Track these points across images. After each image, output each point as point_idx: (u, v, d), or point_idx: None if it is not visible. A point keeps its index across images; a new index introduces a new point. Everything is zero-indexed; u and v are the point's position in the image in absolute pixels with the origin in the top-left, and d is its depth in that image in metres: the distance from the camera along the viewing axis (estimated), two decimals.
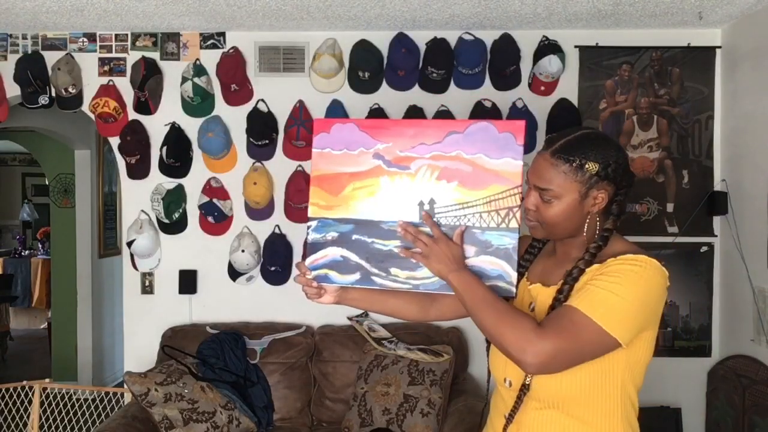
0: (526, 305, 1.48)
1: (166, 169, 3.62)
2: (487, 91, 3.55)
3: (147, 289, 3.69)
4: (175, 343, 3.39)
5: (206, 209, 3.55)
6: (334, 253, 1.51)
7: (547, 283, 1.45)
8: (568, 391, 1.36)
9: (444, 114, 3.50)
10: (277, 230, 3.62)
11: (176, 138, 3.57)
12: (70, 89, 3.55)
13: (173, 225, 3.62)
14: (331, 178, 1.51)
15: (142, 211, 3.63)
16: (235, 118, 3.60)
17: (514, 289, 1.41)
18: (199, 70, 3.52)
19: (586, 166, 1.36)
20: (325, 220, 1.51)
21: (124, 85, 3.63)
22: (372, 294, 1.61)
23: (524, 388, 1.39)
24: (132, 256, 3.64)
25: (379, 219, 1.48)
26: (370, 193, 1.49)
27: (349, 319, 3.46)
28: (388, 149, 1.48)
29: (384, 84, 3.59)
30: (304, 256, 1.56)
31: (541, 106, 3.54)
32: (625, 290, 1.29)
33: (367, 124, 1.51)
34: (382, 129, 1.50)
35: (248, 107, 3.60)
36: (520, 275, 1.53)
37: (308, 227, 1.53)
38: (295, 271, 1.57)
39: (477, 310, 1.36)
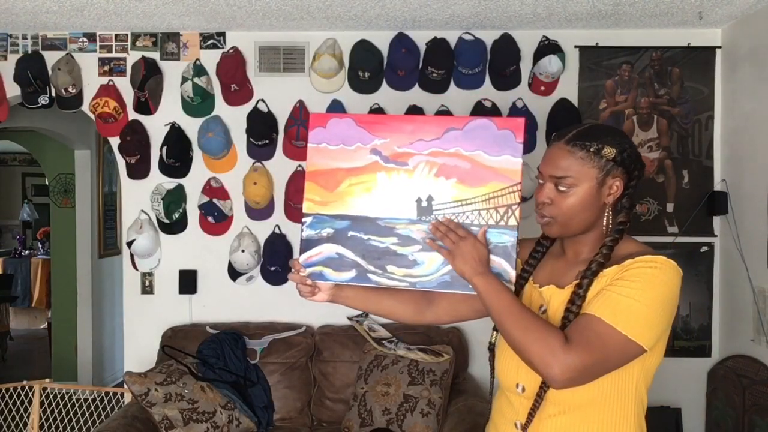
0: (536, 308, 1.45)
1: (166, 169, 3.62)
2: (487, 91, 3.55)
3: (147, 289, 3.69)
4: (175, 343, 3.39)
5: (206, 209, 3.55)
6: (329, 250, 1.48)
7: (560, 284, 1.42)
8: (587, 395, 1.33)
9: (444, 114, 3.50)
10: (277, 230, 3.62)
11: (176, 138, 3.57)
12: (70, 89, 3.55)
13: (173, 225, 3.62)
14: (326, 173, 1.49)
15: (142, 211, 3.63)
16: (235, 118, 3.60)
17: (512, 287, 1.40)
18: (199, 70, 3.52)
19: (604, 150, 1.35)
20: (321, 216, 1.49)
21: (124, 85, 3.63)
22: (367, 293, 1.58)
23: (543, 387, 1.35)
24: (132, 256, 3.64)
25: (375, 216, 1.46)
26: (367, 189, 1.47)
27: (349, 319, 3.46)
28: (385, 145, 1.46)
29: (384, 84, 3.58)
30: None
31: (541, 106, 3.54)
32: (646, 295, 1.28)
33: (364, 120, 1.49)
34: (380, 124, 1.48)
35: (248, 107, 3.60)
36: (525, 278, 1.51)
37: (303, 223, 1.50)
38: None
39: (501, 317, 1.33)
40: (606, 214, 1.39)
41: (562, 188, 1.37)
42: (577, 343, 1.26)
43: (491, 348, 1.51)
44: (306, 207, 1.50)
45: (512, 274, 1.39)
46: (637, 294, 1.28)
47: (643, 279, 1.29)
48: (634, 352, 1.29)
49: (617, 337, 1.27)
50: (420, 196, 1.44)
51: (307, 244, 1.50)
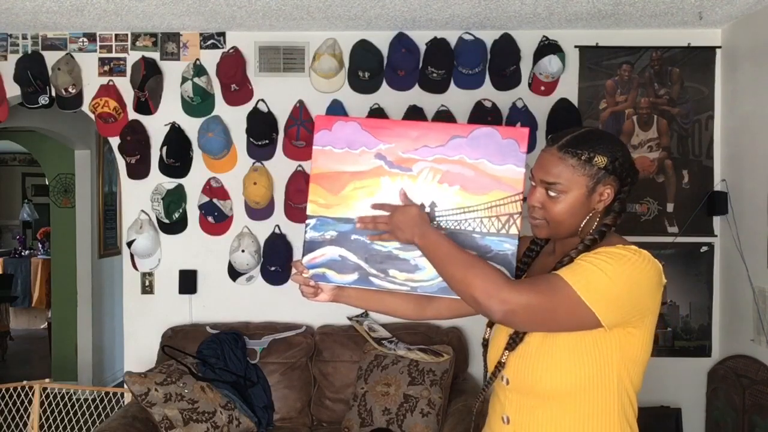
0: None
1: (166, 169, 3.62)
2: (487, 91, 3.55)
3: (147, 289, 3.69)
4: (175, 343, 3.39)
5: (206, 209, 3.55)
6: (332, 252, 1.49)
7: None
8: (564, 385, 1.35)
9: (444, 114, 3.50)
10: (277, 230, 3.62)
11: (176, 138, 3.57)
12: (70, 89, 3.55)
13: (173, 225, 3.62)
14: (331, 176, 1.50)
15: (142, 211, 3.63)
16: (235, 118, 3.60)
17: None
18: (199, 70, 3.52)
19: (595, 159, 1.35)
20: (324, 218, 1.50)
21: (124, 85, 3.63)
22: (369, 292, 1.60)
23: (500, 366, 1.41)
24: (132, 256, 3.64)
25: None
26: (371, 193, 1.47)
27: (349, 319, 3.46)
28: (390, 150, 1.47)
29: (384, 84, 3.58)
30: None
31: (541, 106, 3.54)
32: (612, 269, 1.28)
33: (369, 124, 1.50)
34: (385, 129, 1.49)
35: (248, 107, 3.60)
36: (519, 275, 1.52)
37: (306, 225, 1.51)
38: (293, 270, 1.56)
39: (445, 264, 1.35)
40: (593, 218, 1.40)
41: (552, 194, 1.38)
42: (525, 284, 1.30)
43: (485, 344, 1.54)
44: (310, 209, 1.51)
45: None
46: (602, 265, 1.29)
47: (612, 257, 1.31)
48: (587, 318, 1.29)
49: (570, 293, 1.28)
50: (423, 202, 1.45)
51: (310, 246, 1.51)
